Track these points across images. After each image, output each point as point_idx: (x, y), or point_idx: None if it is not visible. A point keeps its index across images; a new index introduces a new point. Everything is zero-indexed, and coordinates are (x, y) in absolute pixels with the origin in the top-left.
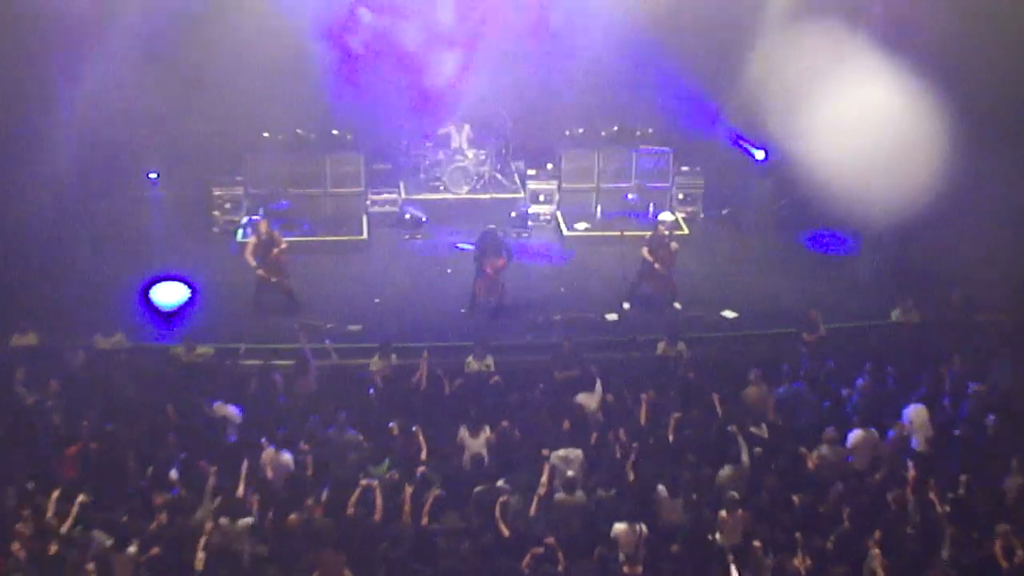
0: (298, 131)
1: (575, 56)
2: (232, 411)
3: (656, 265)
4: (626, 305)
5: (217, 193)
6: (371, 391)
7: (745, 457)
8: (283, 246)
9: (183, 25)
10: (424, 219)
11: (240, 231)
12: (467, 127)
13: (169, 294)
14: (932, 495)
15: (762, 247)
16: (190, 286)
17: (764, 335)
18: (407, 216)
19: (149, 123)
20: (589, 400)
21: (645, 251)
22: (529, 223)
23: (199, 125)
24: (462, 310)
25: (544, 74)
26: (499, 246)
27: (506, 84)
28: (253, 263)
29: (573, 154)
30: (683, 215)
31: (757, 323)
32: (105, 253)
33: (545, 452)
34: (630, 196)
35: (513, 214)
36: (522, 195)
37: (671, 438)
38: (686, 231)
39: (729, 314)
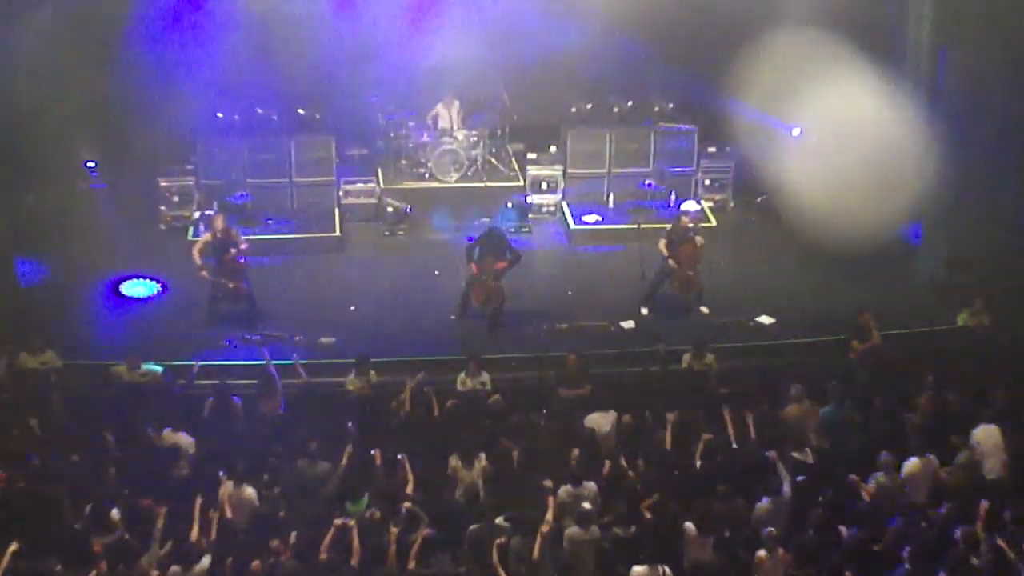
0: (258, 110)
1: (583, 19)
2: (184, 439)
3: (678, 263)
4: (644, 311)
5: (164, 184)
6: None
7: (786, 487)
8: (242, 246)
9: None
10: (408, 209)
11: (191, 228)
12: (456, 103)
13: (137, 289)
14: (1007, 533)
15: (804, 240)
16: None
17: (807, 344)
18: (388, 209)
19: (83, 103)
20: (602, 422)
21: (664, 247)
22: (530, 216)
23: (142, 105)
24: (451, 316)
25: (546, 40)
26: (504, 248)
27: (502, 52)
28: (200, 264)
29: (581, 134)
30: (710, 204)
31: (799, 330)
32: (33, 255)
33: (549, 484)
34: (648, 183)
35: (510, 205)
36: (521, 183)
37: (699, 465)
38: (714, 222)
39: (765, 320)
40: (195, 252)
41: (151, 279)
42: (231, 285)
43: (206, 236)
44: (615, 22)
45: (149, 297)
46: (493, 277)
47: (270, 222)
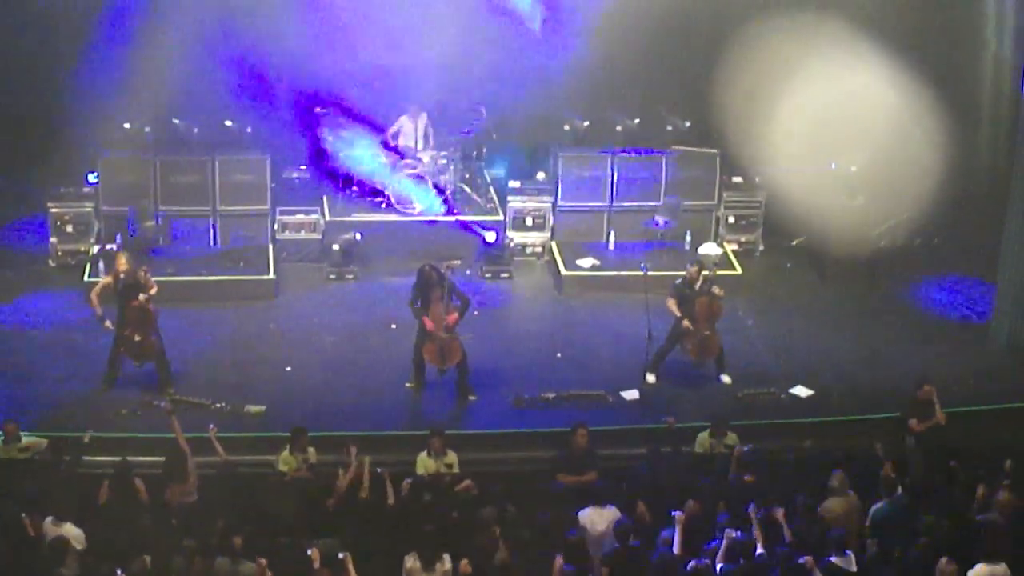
0: (175, 120)
1: (578, 17)
2: (72, 531)
3: (693, 322)
4: (651, 378)
5: (55, 211)
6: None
7: None
8: (152, 290)
9: None
10: (359, 236)
11: (88, 266)
12: (424, 117)
13: None
14: None
15: (850, 295)
16: None
17: (852, 423)
18: (334, 247)
19: None
20: (597, 519)
21: (673, 305)
22: (511, 257)
23: (29, 112)
24: (407, 384)
25: (534, 42)
26: (446, 291)
27: (480, 55)
28: (100, 312)
29: (575, 158)
30: (734, 247)
31: (842, 405)
32: None
33: None
34: (658, 220)
35: (487, 240)
36: (500, 217)
37: (718, 572)
38: (739, 271)
39: (802, 392)
40: (93, 297)
41: None
42: (137, 338)
43: (106, 278)
44: (619, 21)
45: None
46: (445, 330)
47: (186, 261)
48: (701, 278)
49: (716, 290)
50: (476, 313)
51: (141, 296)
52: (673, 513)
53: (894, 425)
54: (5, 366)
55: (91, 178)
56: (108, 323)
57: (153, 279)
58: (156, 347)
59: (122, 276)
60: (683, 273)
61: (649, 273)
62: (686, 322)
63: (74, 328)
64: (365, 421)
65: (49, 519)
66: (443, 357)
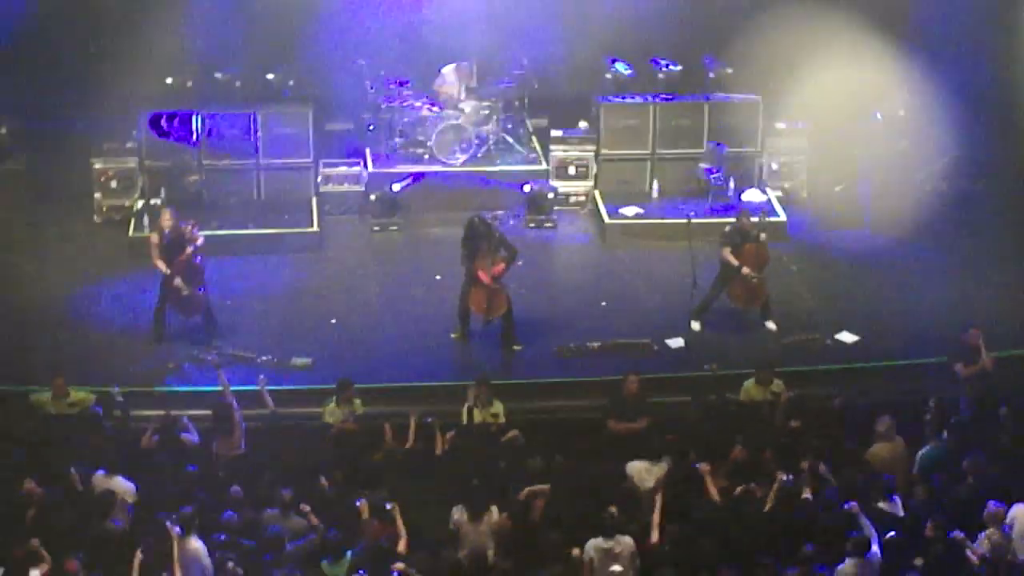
0: (216, 74)
1: None
2: (121, 485)
3: (740, 267)
4: (696, 325)
5: (99, 167)
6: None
7: (875, 547)
8: (198, 243)
9: None
10: (392, 189)
11: (133, 221)
12: (466, 68)
13: None
14: None
15: (894, 240)
16: None
17: (899, 367)
18: (373, 197)
19: None
20: (646, 476)
21: (728, 254)
22: (554, 207)
23: (71, 67)
24: (452, 335)
25: None
26: (494, 243)
27: (522, 4)
28: (166, 269)
29: (617, 107)
30: (779, 194)
31: (888, 350)
32: None
33: (576, 552)
34: (701, 167)
35: (528, 190)
36: (544, 166)
37: (766, 517)
38: (783, 218)
39: (847, 338)
40: (155, 260)
41: None
42: (184, 292)
43: (153, 234)
44: None
45: None
46: (490, 280)
47: (231, 215)
48: (750, 225)
49: (764, 237)
50: (520, 263)
51: (188, 249)
52: (695, 465)
53: (941, 370)
54: (53, 322)
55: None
56: (179, 281)
57: (199, 233)
58: (203, 300)
59: (167, 231)
60: (732, 221)
61: (693, 220)
62: (745, 268)
63: (120, 282)
64: (411, 372)
65: (99, 473)
66: (489, 307)
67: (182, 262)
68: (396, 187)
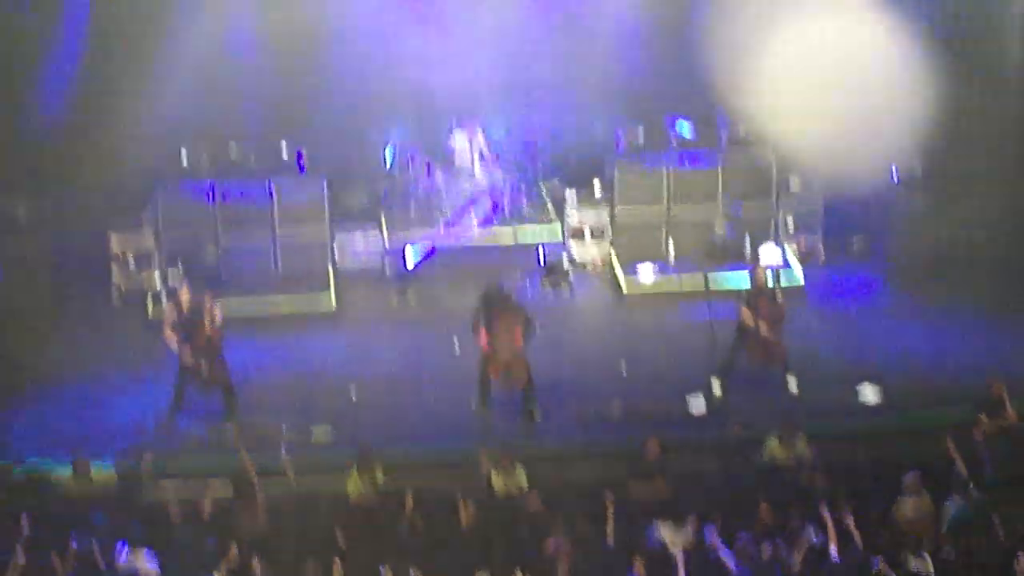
0: (231, 143)
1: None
2: (145, 565)
3: (759, 326)
4: (718, 386)
5: (116, 243)
6: None
7: None
8: (216, 316)
9: None
10: (418, 262)
11: (151, 296)
12: (478, 132)
13: None
14: None
15: (914, 293)
16: None
17: (922, 421)
18: (389, 268)
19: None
20: (675, 538)
21: (744, 309)
22: (570, 271)
23: (87, 141)
24: (472, 403)
25: (587, 45)
26: (510, 310)
27: (533, 63)
28: (175, 345)
29: (632, 166)
30: (795, 251)
31: (911, 404)
32: None
33: None
34: (718, 225)
35: (544, 255)
36: (559, 230)
37: None
38: (799, 273)
39: (870, 393)
40: (167, 332)
41: None
42: (204, 366)
43: (170, 309)
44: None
45: None
46: (510, 348)
47: (247, 287)
48: (765, 281)
49: (778, 292)
50: (539, 330)
51: (207, 323)
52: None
53: (966, 423)
54: (73, 398)
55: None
56: (196, 355)
57: (217, 306)
58: (223, 374)
59: (184, 306)
60: (750, 279)
61: (710, 278)
62: (760, 326)
63: (138, 358)
64: (432, 441)
65: (125, 550)
66: (508, 375)
67: (201, 335)
68: (411, 265)
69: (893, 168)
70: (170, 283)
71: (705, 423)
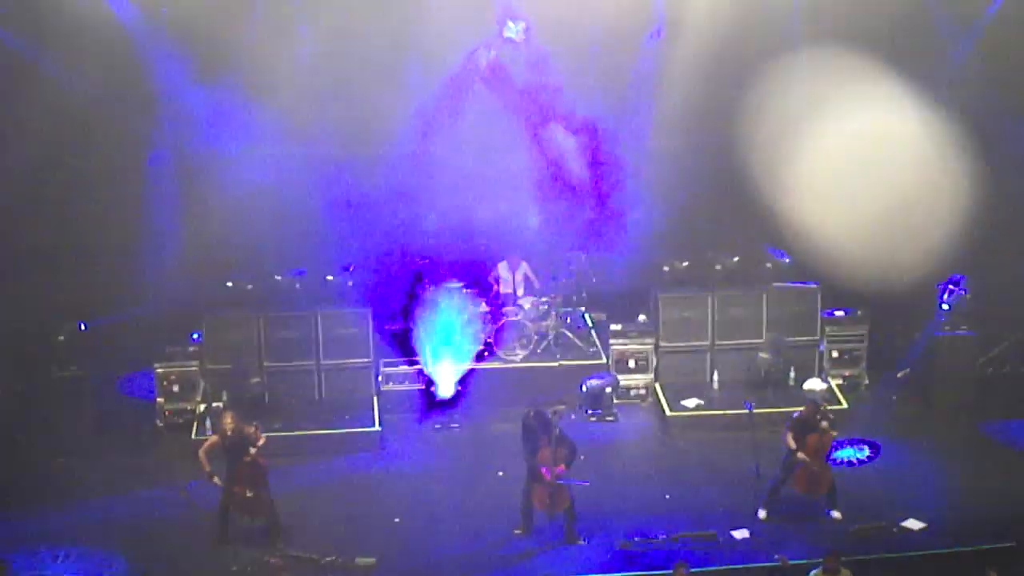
0: (276, 277)
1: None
2: None
3: (804, 456)
4: (762, 514)
5: (161, 371)
6: None
7: None
8: (260, 444)
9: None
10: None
11: (196, 425)
12: (524, 265)
13: None
14: None
15: (962, 427)
16: None
17: (968, 555)
18: (433, 389)
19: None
20: None
21: (791, 439)
22: (615, 400)
23: (132, 272)
24: (516, 531)
25: (629, 184)
26: (553, 438)
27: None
28: (209, 470)
29: (675, 299)
30: (839, 382)
31: (957, 536)
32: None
33: None
34: (762, 355)
35: (589, 386)
36: (604, 360)
37: None
38: (845, 405)
39: (914, 525)
40: (202, 455)
41: None
42: (248, 494)
43: (214, 436)
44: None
45: None
46: (553, 477)
47: (292, 416)
48: (813, 412)
49: (825, 425)
50: (583, 458)
51: (251, 450)
52: None
53: (1011, 556)
54: (120, 526)
55: (195, 337)
56: (216, 479)
57: (262, 434)
58: (266, 502)
59: (229, 433)
60: (800, 408)
61: (755, 411)
62: (805, 456)
63: (183, 487)
64: (475, 569)
65: None
66: (552, 503)
67: (245, 463)
68: (448, 391)
69: (940, 298)
70: (215, 408)
71: (749, 551)
